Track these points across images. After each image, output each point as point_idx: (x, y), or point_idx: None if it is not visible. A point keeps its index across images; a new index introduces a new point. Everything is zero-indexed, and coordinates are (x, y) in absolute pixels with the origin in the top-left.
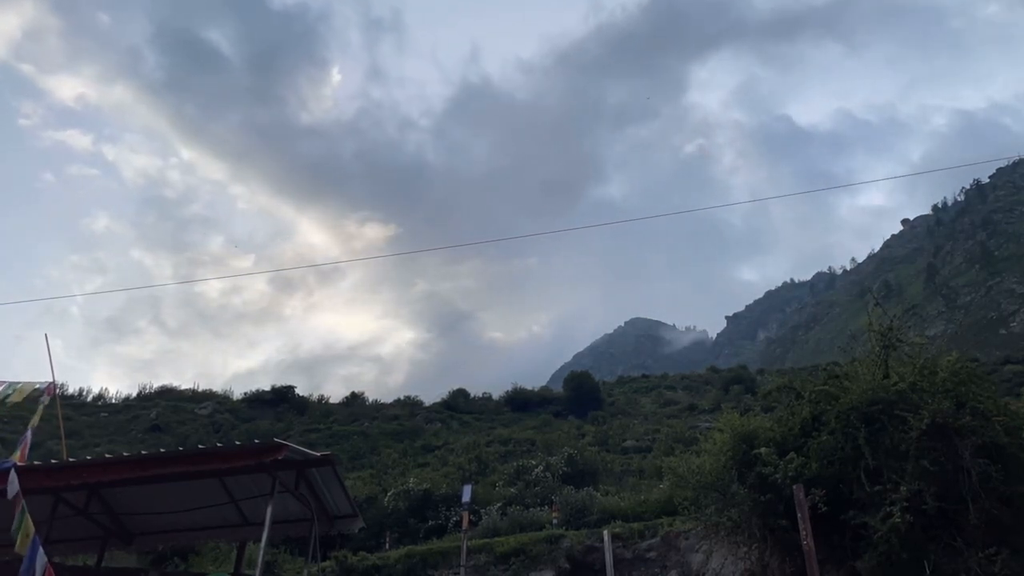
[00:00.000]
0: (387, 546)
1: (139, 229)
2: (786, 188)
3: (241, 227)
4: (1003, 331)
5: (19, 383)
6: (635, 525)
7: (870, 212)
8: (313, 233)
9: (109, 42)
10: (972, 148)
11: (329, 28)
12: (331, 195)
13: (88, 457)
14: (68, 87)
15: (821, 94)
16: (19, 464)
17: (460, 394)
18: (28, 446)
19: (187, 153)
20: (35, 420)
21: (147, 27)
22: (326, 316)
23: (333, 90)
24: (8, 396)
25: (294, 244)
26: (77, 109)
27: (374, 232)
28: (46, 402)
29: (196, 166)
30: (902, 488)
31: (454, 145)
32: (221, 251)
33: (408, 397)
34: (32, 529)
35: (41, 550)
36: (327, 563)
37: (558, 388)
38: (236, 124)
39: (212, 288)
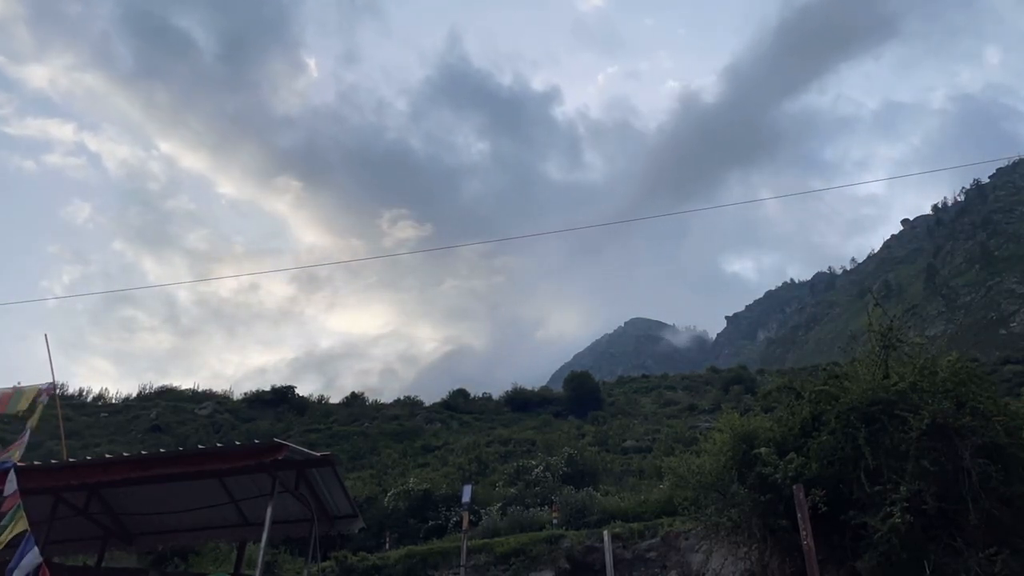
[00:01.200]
0: (387, 546)
1: (121, 221)
2: (781, 177)
3: (228, 221)
4: (1003, 331)
5: (24, 388)
6: (635, 525)
7: (868, 201)
8: (306, 228)
9: (80, 30)
10: (972, 128)
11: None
12: (326, 186)
13: (88, 457)
14: (40, 77)
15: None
16: (19, 464)
17: (460, 394)
18: (24, 444)
19: (165, 144)
20: (34, 420)
21: (116, 12)
22: (340, 314)
23: (319, 79)
24: (17, 404)
25: (288, 241)
26: (52, 100)
27: (403, 231)
28: (44, 401)
29: (175, 157)
30: (902, 488)
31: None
32: (210, 247)
33: (408, 397)
34: (24, 528)
35: (36, 549)
36: (327, 563)
37: (558, 388)
38: (228, 113)
39: (224, 287)
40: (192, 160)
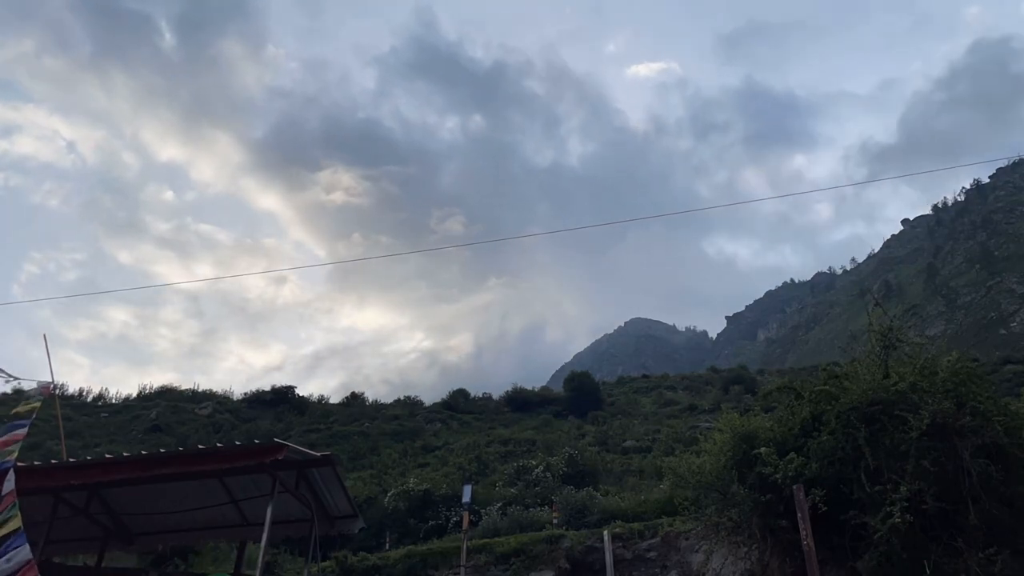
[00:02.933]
0: (387, 546)
1: (93, 210)
2: (776, 166)
3: (214, 212)
4: (1003, 331)
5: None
6: (635, 525)
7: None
8: (295, 222)
9: (36, 13)
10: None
11: None
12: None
13: (88, 457)
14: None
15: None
16: (19, 464)
17: (460, 394)
18: (17, 441)
19: (132, 129)
20: (23, 409)
21: None
22: (357, 312)
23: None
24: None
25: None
26: (18, 87)
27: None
28: (37, 396)
29: (146, 144)
30: (902, 488)
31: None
32: (235, 243)
33: (408, 397)
34: (17, 526)
35: (26, 546)
36: (327, 563)
37: (558, 388)
38: (197, 99)
39: (235, 284)
40: (167, 147)
